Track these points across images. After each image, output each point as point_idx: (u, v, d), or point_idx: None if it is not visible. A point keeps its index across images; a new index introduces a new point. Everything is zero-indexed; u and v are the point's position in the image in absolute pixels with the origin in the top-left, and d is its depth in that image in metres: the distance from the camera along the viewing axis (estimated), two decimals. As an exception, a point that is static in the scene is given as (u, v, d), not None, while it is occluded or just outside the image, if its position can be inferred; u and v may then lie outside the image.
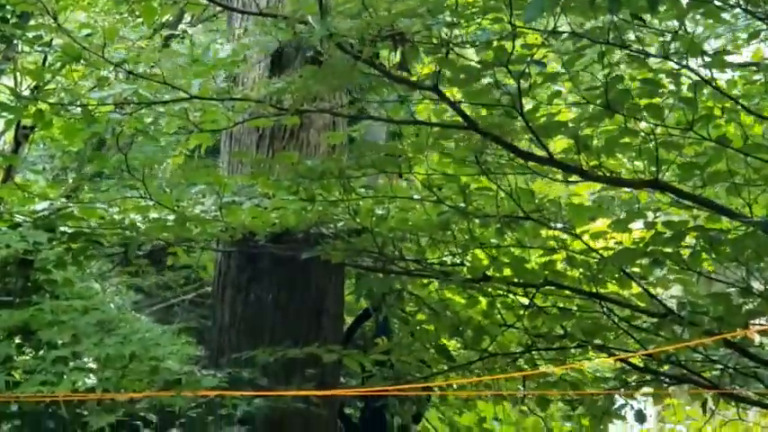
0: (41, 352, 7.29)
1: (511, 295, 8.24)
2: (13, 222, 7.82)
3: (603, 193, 7.94)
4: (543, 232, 7.86)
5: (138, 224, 7.86)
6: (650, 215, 7.58)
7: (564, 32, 6.62)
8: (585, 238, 7.67)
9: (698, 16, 6.92)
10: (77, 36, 7.36)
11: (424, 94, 7.20)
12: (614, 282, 7.79)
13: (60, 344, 7.29)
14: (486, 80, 6.85)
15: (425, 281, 8.83)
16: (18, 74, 9.83)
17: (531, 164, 7.26)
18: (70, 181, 9.59)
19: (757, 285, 7.30)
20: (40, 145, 11.48)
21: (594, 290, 7.75)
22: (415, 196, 7.87)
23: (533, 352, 8.33)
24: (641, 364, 8.24)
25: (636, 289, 7.87)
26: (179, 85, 7.20)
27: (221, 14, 11.74)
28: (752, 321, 7.46)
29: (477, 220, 7.68)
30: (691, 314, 7.50)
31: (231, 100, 7.53)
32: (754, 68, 7.05)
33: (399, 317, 9.38)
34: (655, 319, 7.75)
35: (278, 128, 8.60)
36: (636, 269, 7.66)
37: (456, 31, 6.72)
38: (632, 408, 8.74)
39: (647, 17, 6.57)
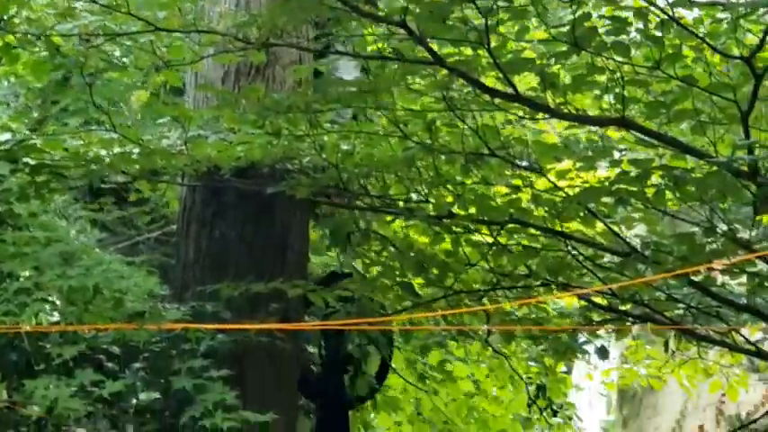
0: (4, 284, 7.23)
1: (476, 233, 8.26)
2: (-27, 154, 7.73)
3: (570, 131, 7.94)
4: (508, 171, 7.86)
5: (102, 157, 7.80)
6: (616, 154, 7.60)
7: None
8: (551, 176, 7.68)
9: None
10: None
11: (391, 29, 7.16)
12: (579, 220, 7.81)
13: (23, 275, 7.25)
14: (453, 15, 6.82)
15: (390, 218, 8.83)
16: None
17: (497, 101, 7.25)
18: (35, 115, 9.48)
19: (721, 225, 7.33)
20: (4, 83, 11.34)
21: (559, 228, 7.77)
22: (381, 132, 7.84)
23: (498, 290, 8.36)
24: (605, 303, 8.30)
25: (600, 228, 7.90)
26: (144, 16, 7.14)
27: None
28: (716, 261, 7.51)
29: (443, 157, 7.67)
30: (654, 253, 7.54)
31: (197, 32, 7.47)
32: (720, 6, 7.04)
33: (365, 255, 9.37)
34: (619, 258, 7.80)
35: (243, 64, 8.52)
36: (601, 208, 7.68)
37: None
38: (595, 346, 8.81)
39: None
